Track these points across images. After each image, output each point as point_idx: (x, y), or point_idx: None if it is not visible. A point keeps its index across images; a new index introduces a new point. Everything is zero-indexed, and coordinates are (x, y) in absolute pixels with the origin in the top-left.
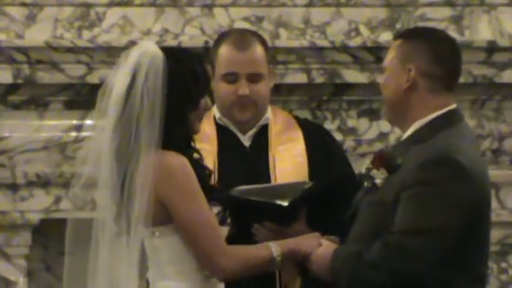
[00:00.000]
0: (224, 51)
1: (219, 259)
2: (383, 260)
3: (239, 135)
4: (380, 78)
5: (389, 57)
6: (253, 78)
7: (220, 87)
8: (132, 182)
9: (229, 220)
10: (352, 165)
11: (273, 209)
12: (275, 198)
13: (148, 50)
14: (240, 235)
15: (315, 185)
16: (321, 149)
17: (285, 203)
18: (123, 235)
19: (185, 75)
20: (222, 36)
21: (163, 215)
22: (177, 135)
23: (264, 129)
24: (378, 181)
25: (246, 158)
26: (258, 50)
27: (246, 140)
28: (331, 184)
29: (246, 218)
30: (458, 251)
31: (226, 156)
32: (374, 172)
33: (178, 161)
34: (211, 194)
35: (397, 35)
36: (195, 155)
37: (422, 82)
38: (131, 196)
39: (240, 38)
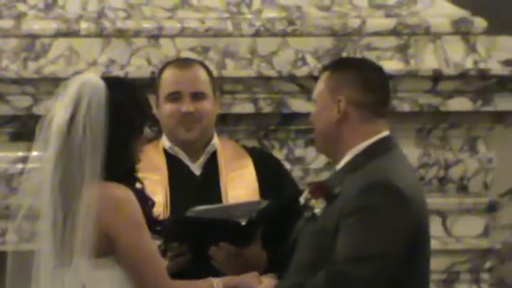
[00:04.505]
0: (167, 73)
1: None
2: None
3: (189, 163)
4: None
5: (318, 90)
6: (197, 96)
7: (165, 108)
8: (75, 214)
9: (169, 254)
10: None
11: (230, 228)
12: (232, 217)
13: (89, 81)
14: (197, 258)
15: (270, 204)
16: (271, 174)
17: (243, 222)
18: (64, 267)
19: (128, 104)
20: (165, 64)
21: (106, 247)
22: (122, 164)
23: (213, 157)
24: (317, 211)
25: (198, 186)
26: (200, 70)
27: (196, 169)
28: (286, 204)
29: (203, 240)
30: (401, 277)
31: (177, 185)
32: (313, 202)
33: (124, 192)
34: (154, 225)
35: (324, 67)
36: (138, 185)
37: (353, 112)
38: (73, 228)
39: (182, 60)
